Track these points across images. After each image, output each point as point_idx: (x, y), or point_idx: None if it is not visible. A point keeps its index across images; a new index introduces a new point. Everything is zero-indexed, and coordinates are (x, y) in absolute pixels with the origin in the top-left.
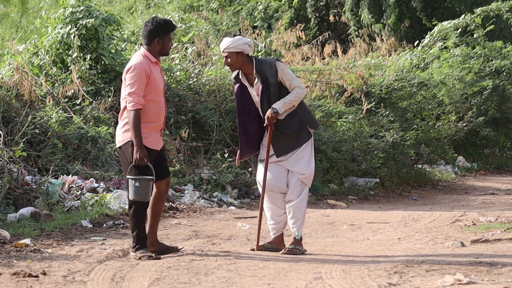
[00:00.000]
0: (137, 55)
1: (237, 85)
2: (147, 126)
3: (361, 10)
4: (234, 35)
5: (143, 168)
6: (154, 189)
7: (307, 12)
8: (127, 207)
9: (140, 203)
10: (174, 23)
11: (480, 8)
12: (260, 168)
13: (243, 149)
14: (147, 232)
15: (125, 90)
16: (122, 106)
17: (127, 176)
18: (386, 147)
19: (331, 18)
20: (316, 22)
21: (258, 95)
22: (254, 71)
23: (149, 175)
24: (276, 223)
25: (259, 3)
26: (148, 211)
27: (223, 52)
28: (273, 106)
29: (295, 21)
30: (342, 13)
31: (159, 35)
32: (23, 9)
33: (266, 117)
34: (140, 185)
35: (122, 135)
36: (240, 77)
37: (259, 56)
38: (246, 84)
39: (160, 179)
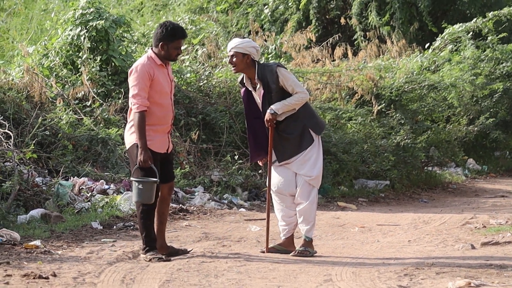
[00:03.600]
0: (142, 57)
1: (243, 89)
2: (152, 129)
3: (369, 13)
4: (244, 37)
5: (148, 170)
6: None
7: (312, 14)
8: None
9: (147, 205)
10: (185, 31)
11: (492, 12)
12: (271, 170)
13: (253, 152)
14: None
15: (130, 93)
16: (129, 108)
17: (131, 178)
18: (396, 149)
19: (342, 20)
20: (318, 24)
21: (260, 100)
22: (256, 77)
23: (153, 178)
24: (287, 224)
25: (266, 6)
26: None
27: (230, 51)
28: (271, 107)
29: (304, 23)
30: (353, 16)
31: (164, 40)
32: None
33: (265, 119)
34: (144, 188)
35: (129, 137)
36: (244, 81)
37: (269, 58)
38: (250, 89)
39: (163, 182)
